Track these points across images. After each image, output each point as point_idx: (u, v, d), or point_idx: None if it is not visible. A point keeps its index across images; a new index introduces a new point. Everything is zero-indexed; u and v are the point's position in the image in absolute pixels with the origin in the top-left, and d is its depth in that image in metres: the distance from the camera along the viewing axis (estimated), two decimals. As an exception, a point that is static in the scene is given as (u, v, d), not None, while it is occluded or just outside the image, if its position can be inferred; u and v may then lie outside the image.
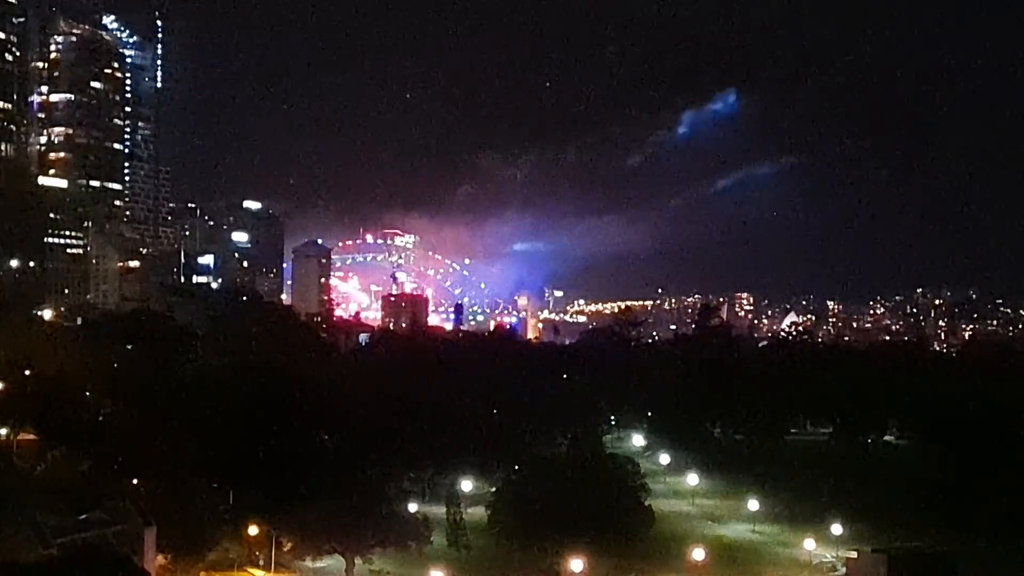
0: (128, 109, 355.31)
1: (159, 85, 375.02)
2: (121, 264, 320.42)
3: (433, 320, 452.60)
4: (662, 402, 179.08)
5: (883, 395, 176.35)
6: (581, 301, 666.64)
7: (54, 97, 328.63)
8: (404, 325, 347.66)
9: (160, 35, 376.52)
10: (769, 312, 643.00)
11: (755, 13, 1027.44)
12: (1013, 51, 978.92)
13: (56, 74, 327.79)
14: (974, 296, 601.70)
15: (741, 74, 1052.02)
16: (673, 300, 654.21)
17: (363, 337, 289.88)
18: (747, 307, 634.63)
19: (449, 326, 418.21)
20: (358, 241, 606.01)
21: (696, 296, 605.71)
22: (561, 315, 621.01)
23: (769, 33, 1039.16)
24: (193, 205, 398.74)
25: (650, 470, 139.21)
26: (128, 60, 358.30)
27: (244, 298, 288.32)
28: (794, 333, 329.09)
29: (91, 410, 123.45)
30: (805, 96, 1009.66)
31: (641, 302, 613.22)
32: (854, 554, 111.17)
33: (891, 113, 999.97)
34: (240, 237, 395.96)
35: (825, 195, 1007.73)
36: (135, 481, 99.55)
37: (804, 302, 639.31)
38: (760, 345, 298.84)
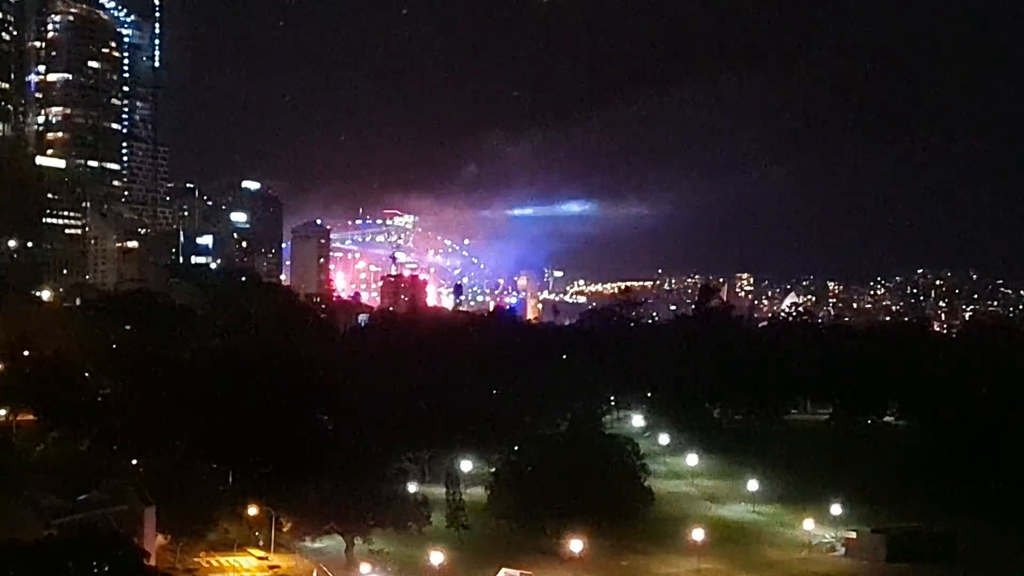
0: (126, 89, 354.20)
1: (157, 64, 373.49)
2: (119, 244, 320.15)
3: (432, 300, 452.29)
4: (662, 383, 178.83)
5: (883, 376, 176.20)
6: (581, 281, 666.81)
7: (51, 77, 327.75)
8: (404, 305, 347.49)
9: (158, 14, 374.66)
10: (769, 293, 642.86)
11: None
12: (1014, 31, 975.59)
13: (53, 54, 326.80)
14: (974, 277, 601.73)
15: (744, 55, 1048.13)
16: (673, 280, 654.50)
17: (362, 318, 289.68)
18: (747, 287, 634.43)
19: (449, 306, 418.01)
20: (357, 221, 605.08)
21: (696, 276, 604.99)
22: (561, 295, 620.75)
23: (773, 13, 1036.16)
24: (192, 185, 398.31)
25: (650, 450, 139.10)
26: (126, 39, 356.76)
27: (243, 278, 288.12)
28: (794, 314, 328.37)
29: (90, 391, 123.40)
30: (808, 77, 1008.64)
31: (641, 282, 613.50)
32: (853, 534, 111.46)
33: (893, 93, 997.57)
34: (239, 217, 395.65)
35: (826, 176, 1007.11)
36: (134, 461, 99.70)
37: (804, 283, 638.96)
38: (760, 326, 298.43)
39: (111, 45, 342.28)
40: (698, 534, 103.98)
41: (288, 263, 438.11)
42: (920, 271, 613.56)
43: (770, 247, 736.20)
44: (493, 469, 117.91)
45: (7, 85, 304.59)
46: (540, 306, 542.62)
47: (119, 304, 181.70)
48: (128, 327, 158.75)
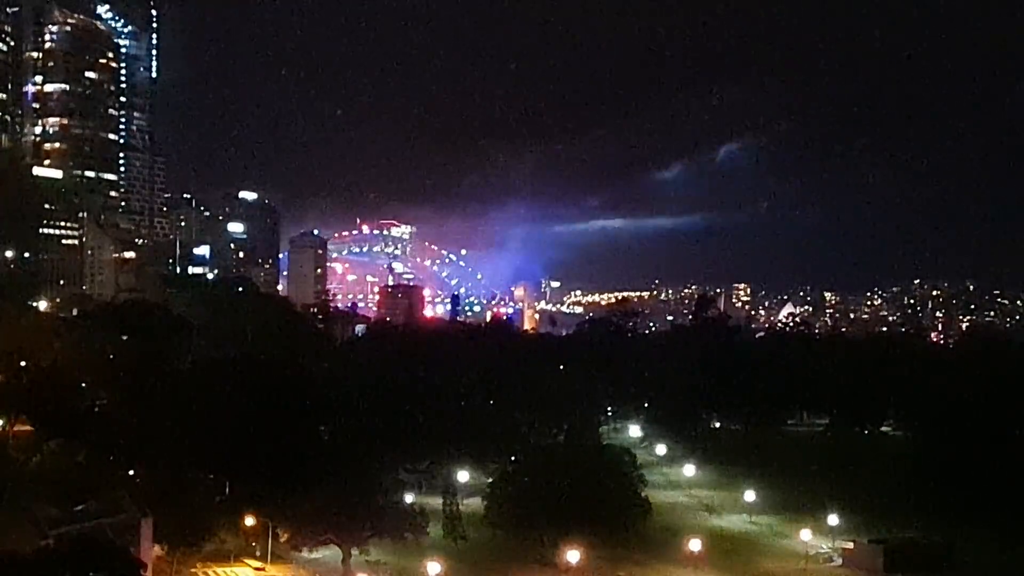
0: (123, 99, 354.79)
1: (154, 75, 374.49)
2: (116, 255, 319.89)
3: (429, 311, 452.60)
4: (659, 393, 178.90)
5: (880, 386, 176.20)
6: (578, 292, 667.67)
7: (49, 87, 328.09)
8: (401, 316, 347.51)
9: (155, 24, 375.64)
10: (766, 303, 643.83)
11: (758, 7, 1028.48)
12: (1012, 43, 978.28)
13: (51, 64, 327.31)
14: (971, 287, 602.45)
15: (741, 66, 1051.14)
16: (670, 291, 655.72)
17: (359, 328, 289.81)
18: (744, 298, 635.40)
19: (446, 317, 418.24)
20: (355, 232, 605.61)
21: (693, 287, 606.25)
22: (558, 306, 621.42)
23: (769, 25, 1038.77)
24: (189, 195, 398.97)
25: (647, 461, 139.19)
26: (123, 50, 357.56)
27: (240, 289, 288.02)
28: (791, 324, 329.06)
29: (87, 401, 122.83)
30: (806, 89, 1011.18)
31: (638, 293, 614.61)
32: (851, 545, 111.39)
33: (890, 105, 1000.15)
34: (236, 228, 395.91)
35: (823, 186, 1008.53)
36: (131, 472, 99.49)
37: (801, 293, 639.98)
38: (757, 336, 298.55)
39: (108, 56, 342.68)
40: (695, 545, 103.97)
41: (285, 273, 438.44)
42: (917, 281, 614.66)
43: (767, 258, 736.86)
44: (490, 479, 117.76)
45: (4, 96, 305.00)
46: (537, 317, 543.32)
47: (116, 314, 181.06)
48: (125, 337, 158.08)
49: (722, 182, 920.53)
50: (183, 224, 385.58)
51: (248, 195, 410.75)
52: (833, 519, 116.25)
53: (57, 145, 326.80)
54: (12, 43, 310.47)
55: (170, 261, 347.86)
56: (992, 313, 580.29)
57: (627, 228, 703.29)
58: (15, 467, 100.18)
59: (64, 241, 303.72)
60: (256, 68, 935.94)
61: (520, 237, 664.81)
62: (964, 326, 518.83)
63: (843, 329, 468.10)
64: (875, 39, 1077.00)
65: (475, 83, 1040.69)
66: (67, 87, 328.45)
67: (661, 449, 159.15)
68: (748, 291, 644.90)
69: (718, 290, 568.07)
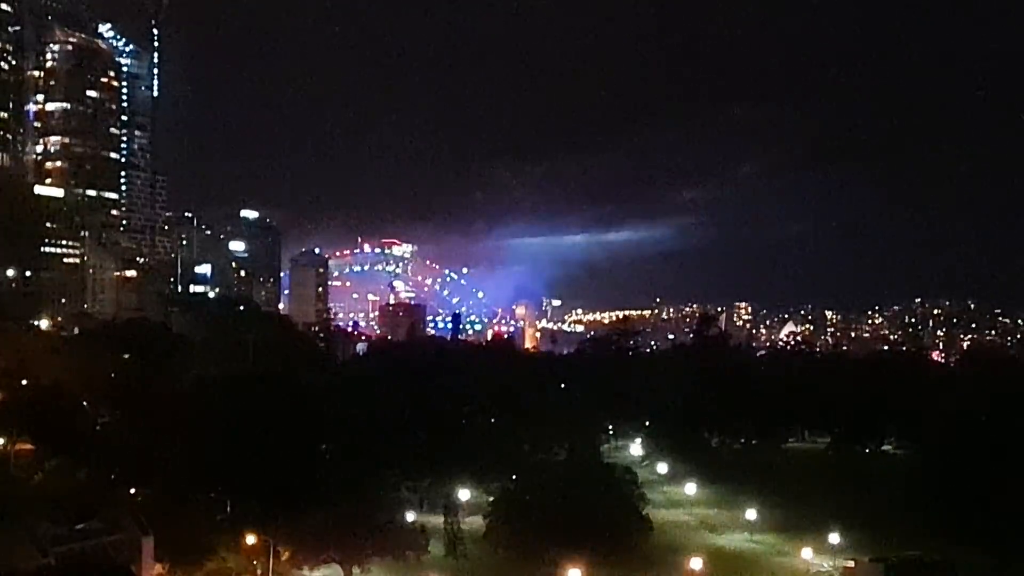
0: (124, 118, 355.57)
1: (155, 94, 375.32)
2: (118, 274, 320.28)
3: (430, 329, 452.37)
4: (660, 412, 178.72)
5: (881, 405, 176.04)
6: (579, 310, 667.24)
7: (50, 106, 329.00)
8: (402, 334, 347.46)
9: (156, 43, 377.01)
10: (767, 321, 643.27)
11: (758, 28, 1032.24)
12: (1012, 66, 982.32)
13: (52, 83, 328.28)
14: (972, 306, 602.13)
15: (742, 86, 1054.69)
16: (671, 309, 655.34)
17: (361, 346, 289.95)
18: (745, 316, 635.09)
19: (447, 336, 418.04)
20: (356, 251, 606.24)
21: (694, 305, 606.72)
22: (559, 324, 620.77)
23: (770, 46, 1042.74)
24: (190, 214, 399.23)
25: (648, 479, 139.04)
26: (124, 69, 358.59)
27: (241, 307, 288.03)
28: (792, 343, 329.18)
29: (88, 420, 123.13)
30: (805, 108, 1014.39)
31: (639, 311, 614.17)
32: (852, 563, 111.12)
33: (891, 124, 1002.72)
34: (237, 246, 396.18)
35: (823, 205, 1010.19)
36: (132, 490, 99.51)
37: (802, 312, 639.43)
38: (758, 354, 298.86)
39: (110, 75, 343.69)
40: (696, 563, 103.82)
41: (287, 292, 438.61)
42: (918, 300, 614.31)
43: (768, 276, 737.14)
44: (491, 498, 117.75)
45: (6, 114, 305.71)
46: (538, 335, 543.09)
47: (117, 333, 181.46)
48: (126, 356, 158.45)
49: (722, 201, 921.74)
50: (184, 243, 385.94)
51: (250, 214, 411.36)
52: (834, 537, 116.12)
53: (58, 164, 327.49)
54: (14, 62, 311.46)
55: (171, 280, 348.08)
56: (993, 332, 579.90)
57: (628, 247, 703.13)
58: (17, 485, 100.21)
59: (65, 260, 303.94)
60: (257, 87, 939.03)
61: (521, 256, 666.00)
62: (965, 345, 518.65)
63: (844, 348, 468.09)
64: (878, 62, 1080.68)
65: (477, 102, 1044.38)
66: (68, 106, 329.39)
67: (662, 467, 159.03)
68: (749, 310, 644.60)
69: (719, 309, 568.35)
